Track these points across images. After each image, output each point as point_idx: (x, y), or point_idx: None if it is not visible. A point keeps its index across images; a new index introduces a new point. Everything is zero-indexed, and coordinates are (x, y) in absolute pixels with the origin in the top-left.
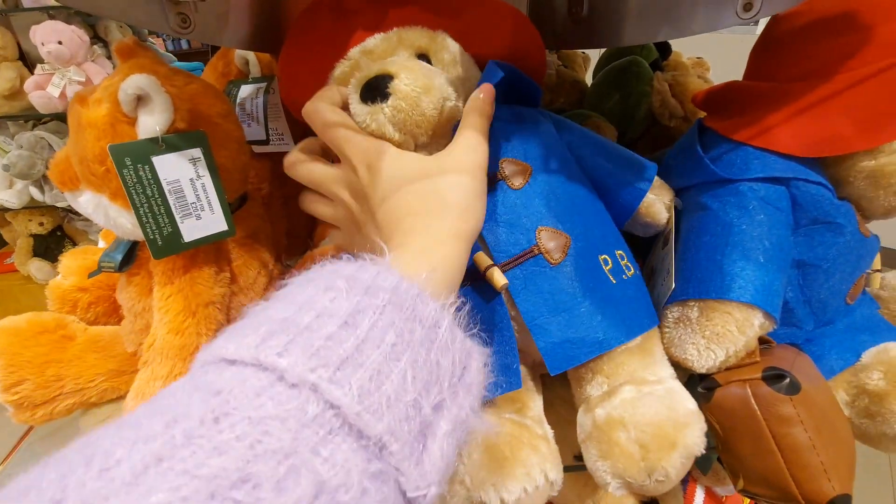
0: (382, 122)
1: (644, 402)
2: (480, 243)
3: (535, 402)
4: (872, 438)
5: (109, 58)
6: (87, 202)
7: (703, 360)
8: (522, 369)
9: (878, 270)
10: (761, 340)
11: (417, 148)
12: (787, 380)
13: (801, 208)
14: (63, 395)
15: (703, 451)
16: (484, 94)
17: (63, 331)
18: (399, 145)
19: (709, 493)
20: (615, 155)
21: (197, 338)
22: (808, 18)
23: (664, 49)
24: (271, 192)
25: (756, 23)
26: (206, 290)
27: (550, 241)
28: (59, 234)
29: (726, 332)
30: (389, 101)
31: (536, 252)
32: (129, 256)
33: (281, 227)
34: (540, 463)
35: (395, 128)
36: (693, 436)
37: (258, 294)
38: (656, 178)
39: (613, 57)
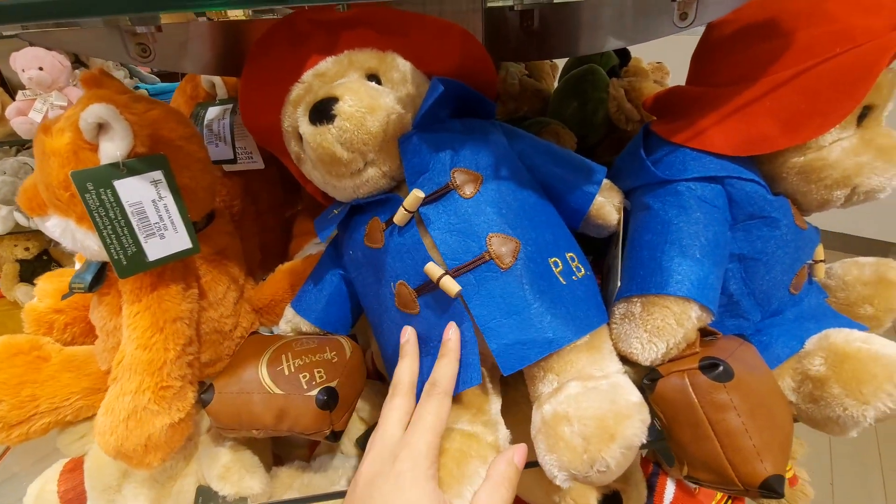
0: (330, 141)
1: (588, 397)
2: (433, 253)
3: (490, 405)
4: (819, 422)
5: None
6: (55, 226)
7: (647, 353)
8: (482, 370)
9: (821, 261)
10: (707, 332)
11: (367, 164)
12: (721, 367)
13: (737, 205)
14: (38, 414)
15: (644, 442)
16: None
17: (38, 352)
18: (348, 162)
19: (679, 485)
20: (565, 161)
21: (164, 353)
22: (737, 26)
23: (624, 55)
24: (244, 208)
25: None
26: (173, 306)
27: (501, 247)
28: (45, 258)
29: (666, 325)
30: (335, 122)
31: (488, 258)
32: (99, 277)
33: (254, 241)
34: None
35: (343, 147)
36: (632, 427)
37: (228, 309)
38: (606, 181)
39: (575, 65)
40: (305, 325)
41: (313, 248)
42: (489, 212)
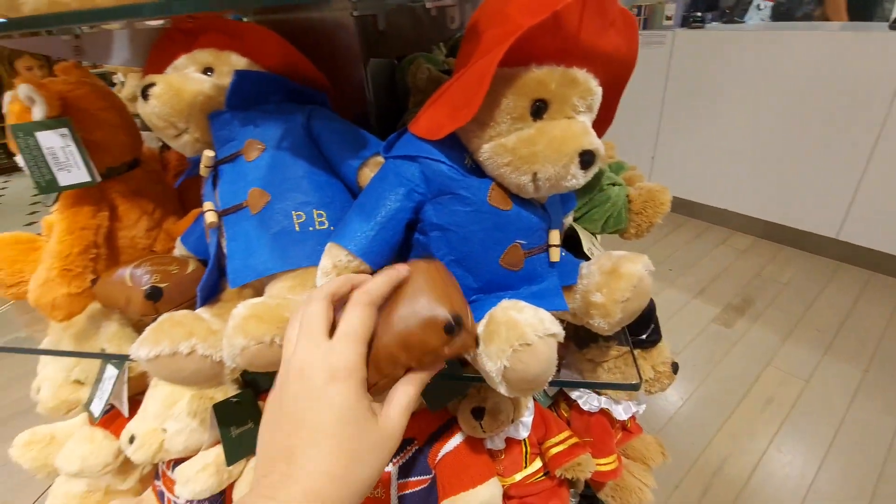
0: (148, 113)
1: (257, 304)
2: (216, 197)
3: None
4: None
5: None
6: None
7: None
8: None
9: (554, 245)
10: None
11: (182, 132)
12: None
13: (430, 181)
14: (23, 282)
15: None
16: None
17: (31, 244)
18: (163, 129)
19: (468, 440)
20: (345, 138)
21: (70, 247)
22: (468, 27)
23: None
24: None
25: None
26: (82, 219)
27: (255, 198)
28: None
29: (324, 265)
30: (149, 101)
31: (244, 205)
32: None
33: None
34: (186, 337)
35: (157, 117)
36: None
37: (141, 232)
38: (379, 157)
39: None
40: (184, 251)
41: None
42: (259, 173)
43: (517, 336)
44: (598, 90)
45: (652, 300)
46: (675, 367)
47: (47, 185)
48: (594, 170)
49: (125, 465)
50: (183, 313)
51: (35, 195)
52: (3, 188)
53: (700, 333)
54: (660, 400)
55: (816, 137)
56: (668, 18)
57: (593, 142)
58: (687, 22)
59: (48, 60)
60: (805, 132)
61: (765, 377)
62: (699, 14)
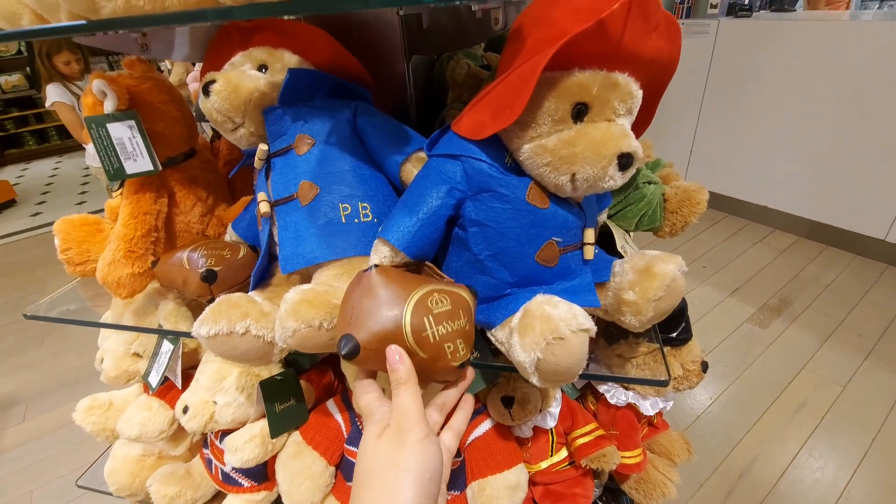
0: (209, 108)
1: (304, 292)
2: (268, 188)
3: None
4: (516, 367)
5: None
6: (90, 147)
7: None
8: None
9: (588, 244)
10: (435, 273)
11: (238, 126)
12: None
13: (471, 179)
14: (90, 261)
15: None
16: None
17: (97, 226)
18: (221, 123)
19: (496, 427)
20: (389, 134)
21: (134, 231)
22: (512, 30)
23: None
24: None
25: None
26: (145, 204)
27: (305, 191)
28: None
29: (373, 256)
30: (210, 96)
31: (295, 196)
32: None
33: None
34: (242, 318)
35: (216, 112)
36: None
37: (195, 217)
38: (421, 153)
39: None
40: (234, 236)
41: None
42: (308, 166)
43: (551, 330)
44: (639, 93)
45: (684, 299)
46: (704, 366)
47: (116, 173)
48: (632, 171)
49: (178, 434)
50: (238, 296)
51: (85, 175)
52: (55, 168)
53: (733, 333)
54: (688, 399)
55: (867, 134)
56: (714, 6)
57: (632, 144)
58: (733, 10)
59: (84, 55)
60: (855, 128)
61: (799, 381)
62: (746, 2)
